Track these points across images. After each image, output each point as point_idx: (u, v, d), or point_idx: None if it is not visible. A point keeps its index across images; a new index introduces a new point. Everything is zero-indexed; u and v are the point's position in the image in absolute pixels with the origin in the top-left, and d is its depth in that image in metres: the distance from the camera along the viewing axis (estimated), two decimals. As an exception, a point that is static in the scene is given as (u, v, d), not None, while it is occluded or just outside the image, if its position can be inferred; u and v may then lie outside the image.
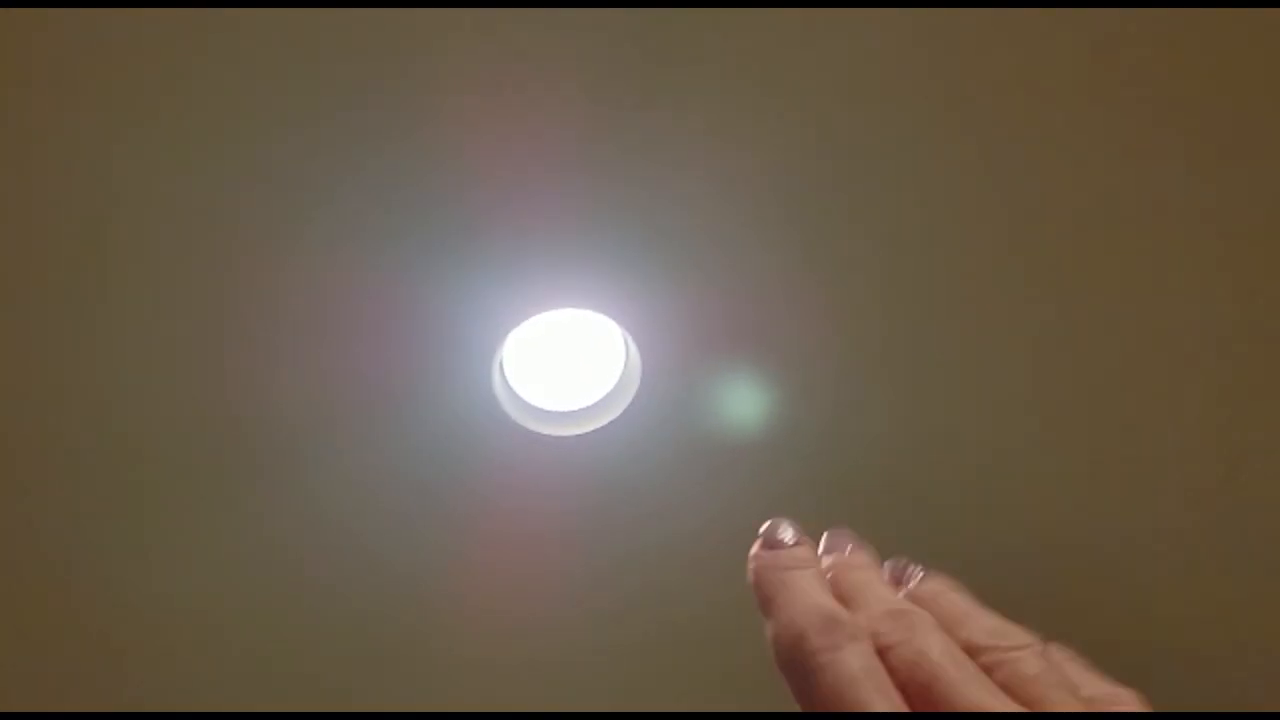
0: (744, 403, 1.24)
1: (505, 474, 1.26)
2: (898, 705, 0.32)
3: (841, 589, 0.38)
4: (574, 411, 1.26)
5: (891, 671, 0.33)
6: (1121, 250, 1.15)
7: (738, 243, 1.15)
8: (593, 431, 1.25)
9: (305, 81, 1.02)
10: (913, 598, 0.38)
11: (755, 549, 0.38)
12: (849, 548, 0.41)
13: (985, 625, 0.36)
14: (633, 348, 1.22)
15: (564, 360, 1.24)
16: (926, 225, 1.14)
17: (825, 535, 0.41)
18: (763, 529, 0.39)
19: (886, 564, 0.41)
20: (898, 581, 0.40)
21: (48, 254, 1.11)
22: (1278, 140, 1.09)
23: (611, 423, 1.25)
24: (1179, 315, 1.19)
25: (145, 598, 1.33)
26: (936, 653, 0.33)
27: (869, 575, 0.39)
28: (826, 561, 0.40)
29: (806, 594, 0.35)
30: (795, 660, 0.33)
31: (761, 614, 0.36)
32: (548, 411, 1.26)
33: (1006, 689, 0.33)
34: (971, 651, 0.35)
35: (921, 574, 0.40)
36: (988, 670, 0.33)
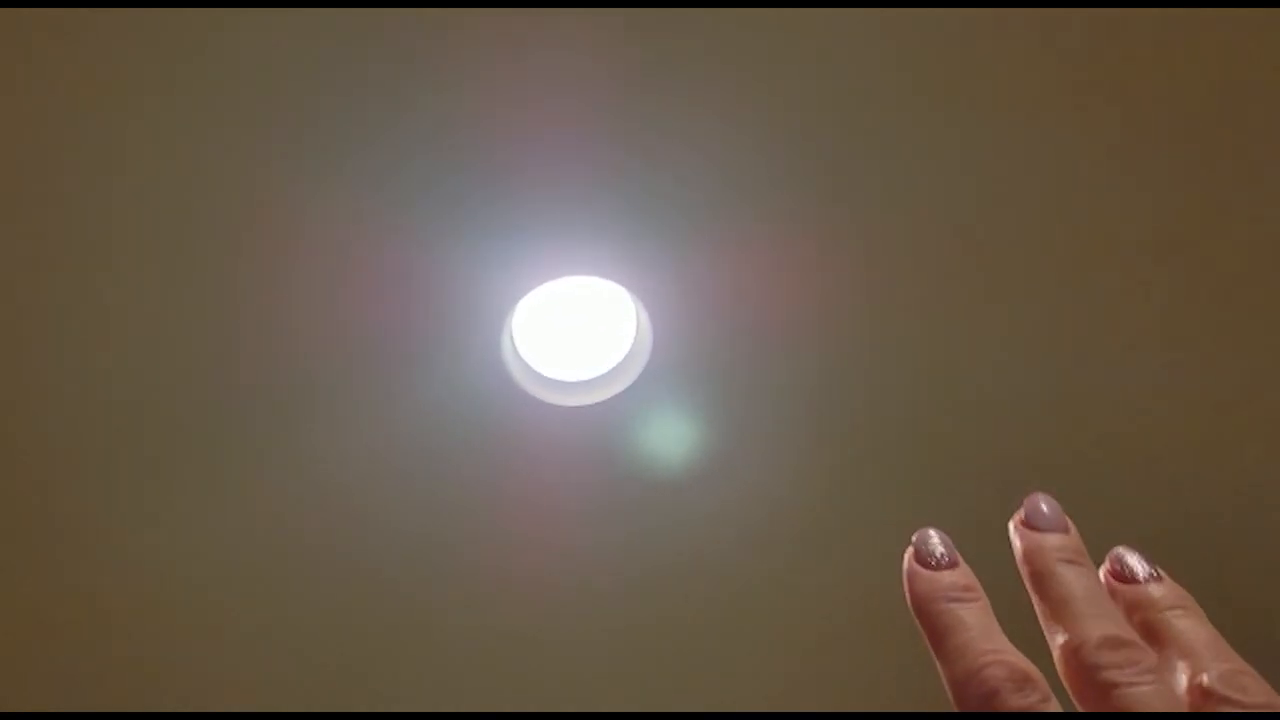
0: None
1: (515, 443, 1.24)
2: None
3: (1047, 591, 0.35)
4: (584, 381, 1.24)
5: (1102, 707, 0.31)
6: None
7: (749, 212, 1.14)
8: (603, 401, 1.23)
9: (328, 44, 1.01)
10: (1141, 612, 0.36)
11: (909, 563, 0.36)
12: (1052, 525, 0.38)
13: (1226, 669, 0.32)
14: (644, 316, 1.20)
15: (574, 328, 1.22)
16: (933, 194, 1.14)
17: (1026, 502, 0.38)
18: (914, 538, 0.37)
19: (1111, 556, 0.38)
20: (1120, 578, 0.37)
21: (56, 211, 1.09)
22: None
23: (622, 393, 1.23)
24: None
25: (146, 560, 1.32)
26: (1159, 706, 0.31)
27: (1085, 580, 0.36)
28: (1025, 543, 0.37)
29: (986, 637, 0.33)
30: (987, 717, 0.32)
31: (928, 645, 0.35)
32: (558, 381, 1.24)
33: None
34: (1202, 697, 0.32)
35: (1152, 575, 0.37)
36: None
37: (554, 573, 1.33)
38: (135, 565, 1.32)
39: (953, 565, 0.36)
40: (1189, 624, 0.35)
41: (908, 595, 0.36)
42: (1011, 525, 0.38)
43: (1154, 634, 0.35)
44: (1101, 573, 0.38)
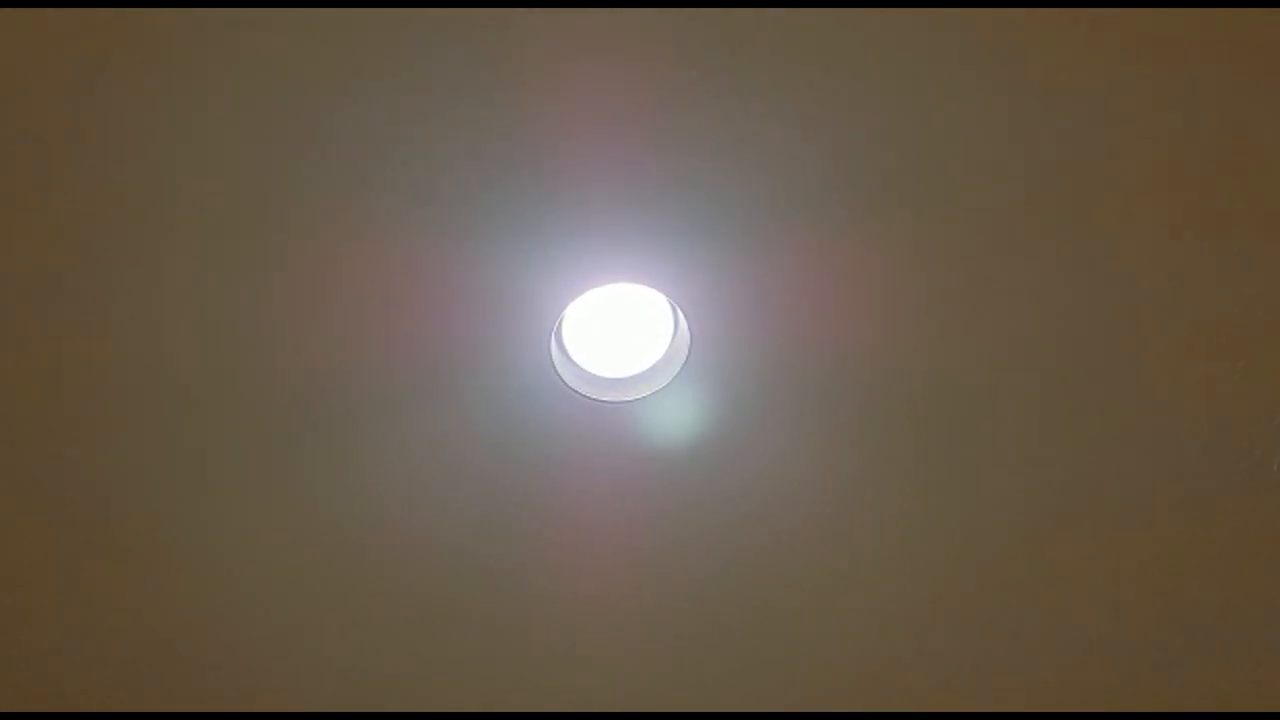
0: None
1: (562, 437, 1.33)
2: None
3: None
4: (626, 378, 1.33)
5: None
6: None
7: (784, 226, 1.21)
8: (644, 398, 1.32)
9: (374, 49, 1.07)
10: None
11: None
12: None
13: None
14: (682, 320, 1.28)
15: (618, 331, 1.31)
16: (968, 204, 1.20)
17: None
18: None
19: None
20: None
21: (118, 213, 1.17)
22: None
23: (662, 389, 1.31)
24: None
25: (193, 560, 1.40)
26: None
27: None
28: None
29: None
30: None
31: None
32: (601, 378, 1.33)
33: None
34: None
35: None
36: None
37: (593, 559, 1.42)
38: (187, 570, 1.40)
39: None
40: None
41: None
42: None
43: None
44: None
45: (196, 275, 1.21)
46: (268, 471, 1.34)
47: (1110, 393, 1.32)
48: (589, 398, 1.32)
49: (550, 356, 1.29)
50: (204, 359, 1.26)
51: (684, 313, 1.27)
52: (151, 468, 1.33)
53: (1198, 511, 1.39)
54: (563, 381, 1.30)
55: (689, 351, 1.30)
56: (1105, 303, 1.27)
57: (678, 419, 1.34)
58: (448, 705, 1.53)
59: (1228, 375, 1.31)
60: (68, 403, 1.29)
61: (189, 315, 1.24)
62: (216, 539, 1.39)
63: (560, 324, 1.29)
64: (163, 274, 1.21)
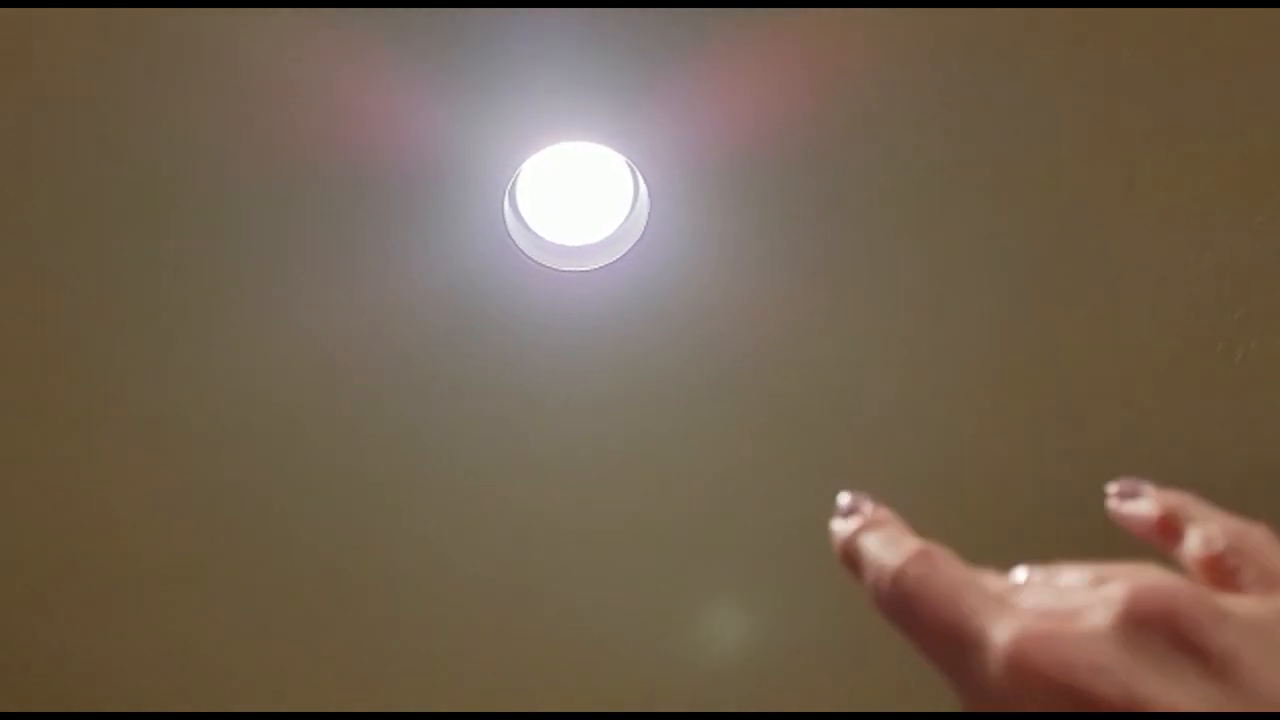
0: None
1: (515, 307, 1.27)
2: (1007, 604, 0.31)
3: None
4: (584, 247, 1.25)
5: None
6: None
7: (748, 78, 1.13)
8: (603, 267, 1.25)
9: None
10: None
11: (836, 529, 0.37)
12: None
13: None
14: (642, 183, 1.20)
15: (573, 195, 1.24)
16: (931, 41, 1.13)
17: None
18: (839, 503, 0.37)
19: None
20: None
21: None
22: None
23: (621, 258, 1.24)
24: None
25: (134, 413, 1.35)
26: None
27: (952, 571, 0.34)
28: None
29: (888, 542, 0.34)
30: (896, 595, 0.32)
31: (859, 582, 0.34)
32: (558, 246, 1.25)
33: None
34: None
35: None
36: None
37: (544, 431, 1.36)
38: (121, 422, 1.36)
39: (859, 510, 0.37)
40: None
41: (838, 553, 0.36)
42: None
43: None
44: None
45: (148, 92, 1.15)
46: (204, 318, 1.29)
47: (1077, 267, 1.26)
48: (542, 265, 1.24)
49: (503, 217, 1.21)
50: (148, 181, 1.20)
51: (644, 177, 1.19)
52: (96, 317, 1.28)
53: (1160, 400, 1.35)
54: (515, 244, 1.23)
55: (648, 219, 1.22)
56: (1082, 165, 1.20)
57: (636, 290, 1.26)
58: (364, 568, 1.48)
59: (1195, 267, 1.25)
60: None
61: (132, 137, 1.18)
62: (146, 390, 1.33)
63: (514, 184, 1.21)
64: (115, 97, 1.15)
